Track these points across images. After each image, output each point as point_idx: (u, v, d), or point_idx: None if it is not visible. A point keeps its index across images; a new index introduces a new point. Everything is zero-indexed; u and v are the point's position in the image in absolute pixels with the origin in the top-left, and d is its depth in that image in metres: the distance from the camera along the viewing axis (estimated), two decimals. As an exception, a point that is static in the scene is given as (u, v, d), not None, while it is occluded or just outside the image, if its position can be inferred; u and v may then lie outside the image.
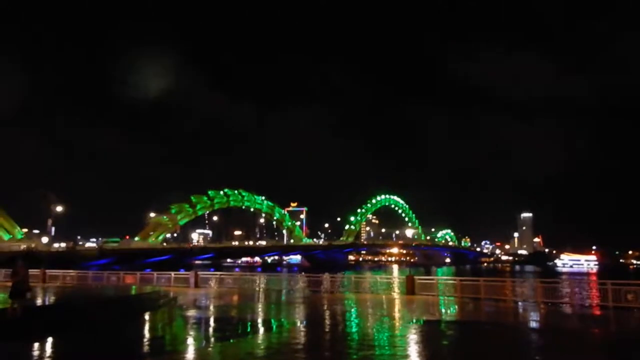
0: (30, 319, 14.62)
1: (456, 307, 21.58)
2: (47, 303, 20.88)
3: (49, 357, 11.69)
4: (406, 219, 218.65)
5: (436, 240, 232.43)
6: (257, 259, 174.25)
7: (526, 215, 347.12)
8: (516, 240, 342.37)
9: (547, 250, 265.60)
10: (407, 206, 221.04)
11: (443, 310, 20.58)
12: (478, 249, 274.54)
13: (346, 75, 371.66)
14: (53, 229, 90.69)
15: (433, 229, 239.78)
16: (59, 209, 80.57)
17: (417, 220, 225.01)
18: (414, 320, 17.22)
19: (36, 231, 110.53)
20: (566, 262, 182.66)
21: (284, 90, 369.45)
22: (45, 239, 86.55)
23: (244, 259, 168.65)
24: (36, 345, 12.48)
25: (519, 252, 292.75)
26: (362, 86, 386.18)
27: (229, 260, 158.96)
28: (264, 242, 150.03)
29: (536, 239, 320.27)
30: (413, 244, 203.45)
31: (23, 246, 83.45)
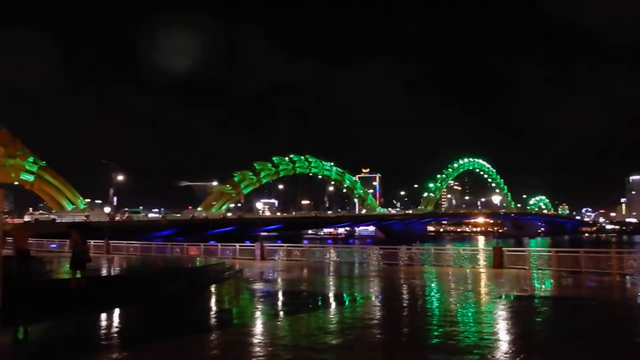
0: (95, 289, 15.61)
1: (552, 281, 20.98)
2: (111, 274, 22.23)
3: (116, 328, 12.51)
4: (493, 184, 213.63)
5: (528, 208, 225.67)
6: (341, 230, 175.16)
7: (636, 177, 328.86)
8: (624, 207, 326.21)
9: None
10: (494, 170, 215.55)
11: (536, 285, 20.09)
12: (578, 218, 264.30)
13: (420, 24, 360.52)
14: (115, 199, 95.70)
15: (525, 196, 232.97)
16: (121, 178, 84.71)
17: (505, 187, 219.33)
18: (503, 296, 16.92)
19: (98, 201, 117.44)
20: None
21: (351, 44, 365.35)
22: (107, 209, 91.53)
23: (325, 230, 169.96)
24: (102, 316, 13.39)
25: (627, 220, 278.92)
26: (439, 36, 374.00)
27: (310, 231, 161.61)
28: (331, 212, 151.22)
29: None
30: (501, 213, 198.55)
31: (83, 217, 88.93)
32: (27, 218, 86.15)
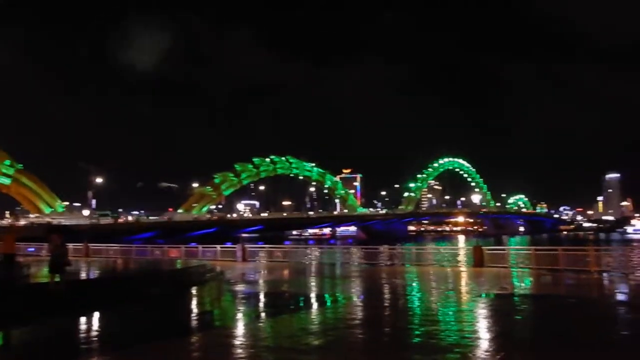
0: (74, 293, 15.41)
1: (531, 279, 21.23)
2: (91, 277, 21.97)
3: (96, 331, 12.36)
4: (473, 184, 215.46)
5: (507, 207, 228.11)
6: (326, 230, 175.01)
7: (612, 176, 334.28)
8: (600, 205, 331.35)
9: (637, 215, 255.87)
10: (473, 170, 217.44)
11: (516, 283, 20.30)
12: (556, 216, 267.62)
13: (405, 25, 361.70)
14: (94, 201, 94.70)
15: (504, 195, 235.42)
16: (99, 180, 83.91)
17: (485, 186, 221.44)
18: (483, 294, 17.08)
19: (77, 204, 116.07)
20: (639, 227, 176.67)
21: (337, 44, 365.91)
22: (86, 212, 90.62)
23: (311, 230, 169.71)
24: (81, 320, 13.22)
25: (604, 218, 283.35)
26: (424, 36, 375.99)
27: (294, 232, 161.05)
28: (312, 213, 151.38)
29: (624, 203, 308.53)
30: (481, 212, 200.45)
31: (61, 220, 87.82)
32: (23, 222, 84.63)
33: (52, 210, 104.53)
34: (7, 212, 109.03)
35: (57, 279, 15.17)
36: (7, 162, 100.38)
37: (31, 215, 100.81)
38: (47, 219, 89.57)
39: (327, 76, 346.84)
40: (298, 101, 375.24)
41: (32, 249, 40.34)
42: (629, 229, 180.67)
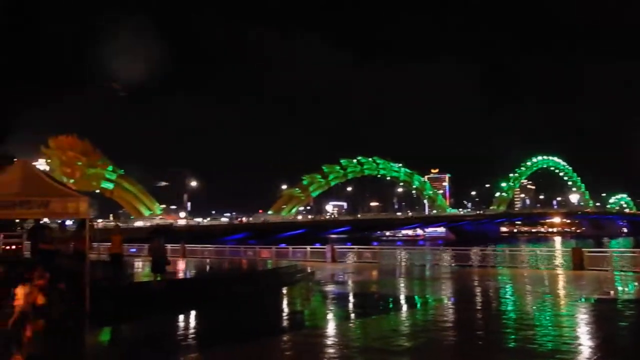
0: (174, 291, 16.17)
1: (636, 284, 19.92)
2: (188, 276, 22.95)
3: (195, 329, 12.92)
4: (569, 183, 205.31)
5: (608, 207, 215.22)
6: (419, 231, 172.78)
7: None
8: None
9: None
10: (570, 168, 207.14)
11: (619, 288, 19.13)
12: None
13: (486, 23, 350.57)
14: (189, 204, 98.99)
15: (604, 194, 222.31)
16: (194, 184, 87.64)
17: (583, 185, 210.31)
18: (583, 299, 16.22)
19: (173, 207, 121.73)
20: None
21: (415, 45, 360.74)
22: (182, 214, 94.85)
23: (403, 231, 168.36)
24: (180, 317, 13.86)
25: None
26: (509, 32, 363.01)
27: (387, 233, 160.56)
28: (400, 214, 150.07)
29: None
30: (579, 212, 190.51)
31: (156, 222, 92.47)
32: (139, 223, 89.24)
33: (150, 212, 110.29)
34: (111, 215, 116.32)
35: (158, 278, 15.98)
36: (110, 167, 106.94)
37: (156, 218, 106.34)
38: (156, 221, 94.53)
39: (403, 76, 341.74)
40: (376, 102, 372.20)
41: (134, 250, 42.72)
42: None
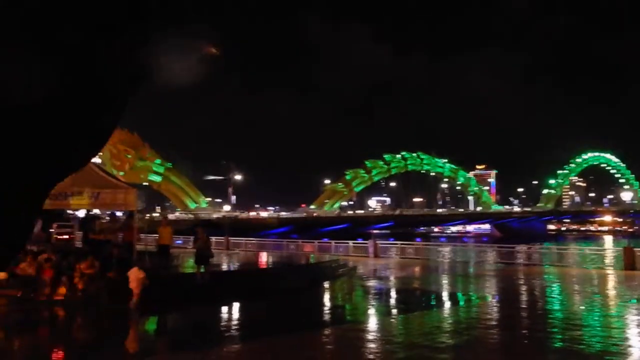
0: (218, 283, 16.45)
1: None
2: (231, 269, 23.30)
3: (238, 321, 13.13)
4: (621, 180, 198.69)
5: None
6: (470, 228, 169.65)
7: None
8: None
9: None
10: (623, 165, 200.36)
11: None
12: None
13: (529, 8, 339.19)
14: (234, 197, 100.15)
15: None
16: (238, 177, 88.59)
17: (636, 182, 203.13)
18: (634, 300, 15.72)
19: (219, 200, 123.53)
20: None
21: (456, 36, 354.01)
22: (227, 207, 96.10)
23: (453, 228, 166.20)
24: (223, 309, 14.11)
25: None
26: (552, 19, 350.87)
27: (436, 230, 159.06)
28: (444, 210, 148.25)
29: None
30: (631, 211, 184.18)
31: (202, 214, 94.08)
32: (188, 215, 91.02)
33: (196, 205, 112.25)
34: (158, 207, 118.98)
35: (202, 270, 16.29)
36: (158, 161, 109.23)
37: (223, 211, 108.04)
38: (203, 214, 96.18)
39: (446, 69, 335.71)
40: (419, 96, 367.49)
41: (180, 242, 43.60)
42: None
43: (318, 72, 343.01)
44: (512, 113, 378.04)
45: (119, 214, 19.66)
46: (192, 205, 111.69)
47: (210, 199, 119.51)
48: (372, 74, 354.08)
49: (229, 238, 39.38)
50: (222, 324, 12.59)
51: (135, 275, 13.19)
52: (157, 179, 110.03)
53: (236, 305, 14.77)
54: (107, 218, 19.80)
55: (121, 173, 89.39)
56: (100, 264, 14.23)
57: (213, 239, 30.01)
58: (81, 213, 21.44)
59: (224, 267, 23.23)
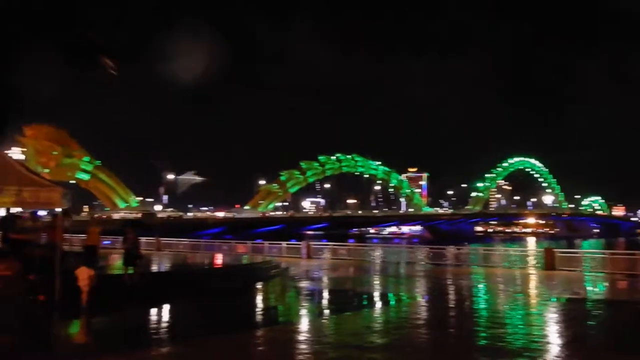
0: (146, 285, 16.03)
1: (605, 284, 20.31)
2: (162, 270, 22.79)
3: (167, 323, 12.83)
4: (544, 184, 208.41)
5: (581, 209, 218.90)
6: (405, 229, 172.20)
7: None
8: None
9: None
10: (545, 170, 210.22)
11: (589, 288, 19.48)
12: (634, 219, 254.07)
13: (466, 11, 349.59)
14: (165, 197, 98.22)
15: (577, 196, 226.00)
16: (170, 177, 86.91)
17: (557, 187, 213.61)
18: (554, 298, 16.51)
19: (150, 199, 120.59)
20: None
21: (401, 40, 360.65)
22: (158, 207, 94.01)
23: (388, 229, 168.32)
24: (152, 311, 13.75)
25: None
26: (495, 29, 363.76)
27: (372, 231, 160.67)
28: (377, 211, 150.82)
29: None
30: (553, 213, 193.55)
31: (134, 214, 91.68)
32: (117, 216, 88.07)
33: (126, 205, 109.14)
34: (86, 207, 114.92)
35: (130, 271, 15.84)
36: (87, 158, 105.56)
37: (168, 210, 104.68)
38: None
39: (386, 73, 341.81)
40: (357, 99, 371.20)
41: (108, 242, 42.23)
42: None
43: (261, 69, 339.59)
44: (449, 118, 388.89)
45: (43, 213, 18.83)
46: (121, 205, 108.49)
47: (141, 198, 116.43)
48: (315, 74, 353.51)
49: (160, 239, 38.52)
50: (150, 326, 12.25)
51: (85, 274, 12.83)
52: (86, 177, 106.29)
53: (166, 307, 14.43)
54: (27, 217, 18.92)
55: (46, 170, 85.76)
56: (20, 265, 13.55)
57: (143, 239, 29.27)
58: (1, 212, 20.37)
59: (154, 268, 22.71)
